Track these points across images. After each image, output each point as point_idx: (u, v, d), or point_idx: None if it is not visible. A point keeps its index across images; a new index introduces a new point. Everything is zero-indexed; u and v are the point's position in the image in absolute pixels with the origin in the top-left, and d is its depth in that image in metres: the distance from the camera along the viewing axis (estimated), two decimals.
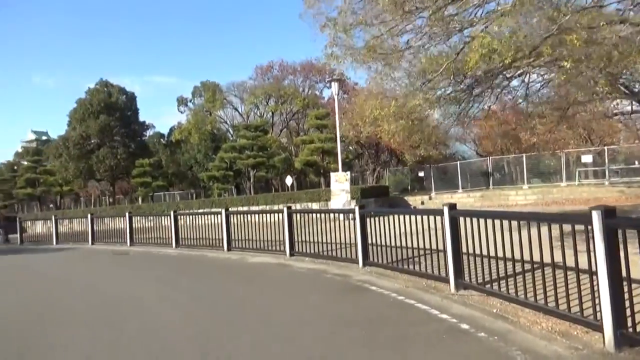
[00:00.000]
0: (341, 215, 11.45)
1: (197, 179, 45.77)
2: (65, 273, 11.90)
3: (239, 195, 36.86)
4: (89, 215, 19.31)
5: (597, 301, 4.36)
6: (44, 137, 74.28)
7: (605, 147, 24.38)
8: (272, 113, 47.98)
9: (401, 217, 8.25)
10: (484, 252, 6.14)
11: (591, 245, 4.36)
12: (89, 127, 38.84)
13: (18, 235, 22.63)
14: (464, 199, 24.47)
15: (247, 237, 12.60)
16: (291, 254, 11.25)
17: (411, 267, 7.98)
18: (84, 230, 19.47)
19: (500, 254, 5.89)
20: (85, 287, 9.40)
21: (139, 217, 18.48)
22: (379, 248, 8.84)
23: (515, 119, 22.23)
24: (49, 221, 22.56)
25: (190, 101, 50.61)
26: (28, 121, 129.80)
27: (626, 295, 4.15)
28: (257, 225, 12.30)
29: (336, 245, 10.17)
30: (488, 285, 6.23)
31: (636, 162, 27.24)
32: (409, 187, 30.83)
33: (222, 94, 48.03)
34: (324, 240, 10.46)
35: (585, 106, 14.72)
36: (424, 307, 6.02)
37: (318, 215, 11.47)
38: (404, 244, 8.16)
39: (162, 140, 54.80)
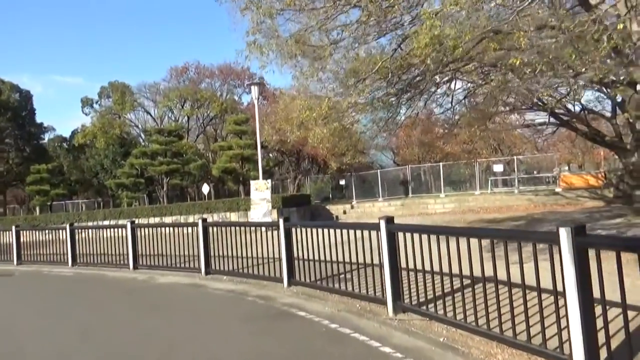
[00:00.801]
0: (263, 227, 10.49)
1: (104, 186, 42.27)
2: None
3: (151, 205, 34.37)
4: None
5: (563, 329, 3.81)
6: None
7: (515, 157, 25.58)
8: (188, 117, 45.67)
9: (331, 230, 7.47)
10: (426, 268, 5.52)
11: (557, 265, 3.82)
12: None
13: None
14: (385, 207, 24.44)
15: (156, 253, 11.19)
16: (207, 272, 10.06)
17: (342, 286, 7.21)
18: None
19: (445, 270, 5.28)
20: None
21: (29, 231, 16.11)
22: (306, 263, 7.99)
23: (430, 129, 22.64)
24: None
25: (97, 102, 46.76)
26: None
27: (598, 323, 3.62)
28: (169, 239, 10.95)
29: (258, 261, 9.18)
30: (431, 307, 5.57)
31: (535, 172, 28.99)
32: (330, 196, 30.45)
33: (132, 96, 44.85)
34: (244, 255, 9.40)
35: (497, 117, 15.04)
36: (362, 338, 5.22)
37: (238, 228, 10.37)
38: (333, 257, 7.38)
39: (64, 144, 50.15)
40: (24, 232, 15.47)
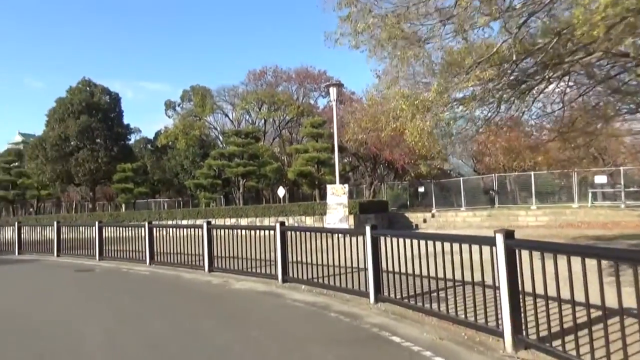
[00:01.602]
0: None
1: (183, 186, 43.65)
2: None
3: (228, 206, 34.80)
4: (55, 223, 17.18)
5: None
6: (32, 139, 71.06)
7: (621, 168, 22.87)
8: (265, 120, 46.13)
9: (429, 242, 6.42)
10: (551, 294, 4.38)
11: None
12: (68, 127, 36.36)
13: None
14: (470, 217, 22.73)
15: (232, 255, 10.71)
16: (284, 280, 9.36)
17: (442, 307, 6.12)
18: (51, 239, 17.29)
19: (576, 299, 4.08)
20: (11, 323, 7.37)
21: (112, 227, 16.39)
22: (396, 277, 7.03)
23: (526, 134, 20.61)
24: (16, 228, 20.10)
25: (179, 105, 48.61)
26: (18, 123, 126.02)
27: None
28: (245, 241, 10.42)
29: (339, 270, 8.29)
30: (570, 347, 4.38)
31: (634, 186, 25.76)
32: (408, 203, 29.06)
33: (212, 99, 46.07)
34: (324, 262, 8.58)
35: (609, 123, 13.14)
36: None
37: (317, 233, 9.57)
38: (425, 271, 6.37)
39: (148, 145, 52.56)
40: (107, 228, 15.71)
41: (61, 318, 7.18)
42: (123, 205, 39.16)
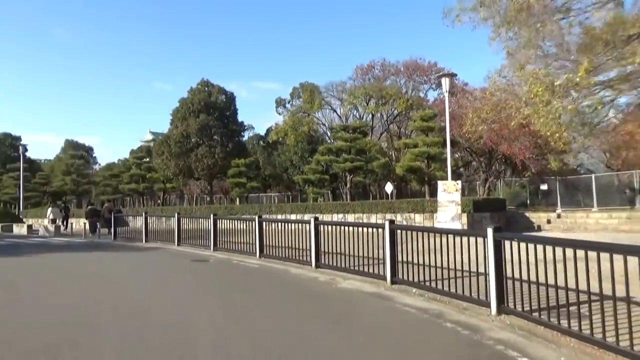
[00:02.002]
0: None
1: (292, 181, 44.78)
2: (116, 283, 10.49)
3: (335, 201, 34.92)
4: (175, 215, 18.33)
5: None
6: (159, 137, 78.18)
7: None
8: (372, 115, 45.56)
9: (568, 250, 5.44)
10: None
11: None
12: (189, 125, 39.15)
13: (112, 230, 22.41)
14: (604, 219, 20.10)
15: (339, 251, 10.40)
16: (392, 282, 8.80)
17: (584, 326, 5.14)
18: (173, 229, 18.49)
19: None
20: (121, 310, 7.70)
21: (225, 220, 17.05)
22: (521, 285, 6.15)
23: None
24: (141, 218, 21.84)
25: (289, 102, 49.94)
26: (149, 122, 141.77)
27: None
28: (352, 237, 10.06)
29: (455, 273, 7.53)
30: None
31: None
32: (528, 202, 26.70)
33: (320, 95, 46.59)
34: (436, 264, 7.88)
35: None
36: None
37: (429, 234, 8.85)
38: (561, 281, 5.43)
39: (260, 142, 54.78)
40: (220, 220, 16.33)
41: (175, 310, 7.32)
42: (237, 199, 41.20)
